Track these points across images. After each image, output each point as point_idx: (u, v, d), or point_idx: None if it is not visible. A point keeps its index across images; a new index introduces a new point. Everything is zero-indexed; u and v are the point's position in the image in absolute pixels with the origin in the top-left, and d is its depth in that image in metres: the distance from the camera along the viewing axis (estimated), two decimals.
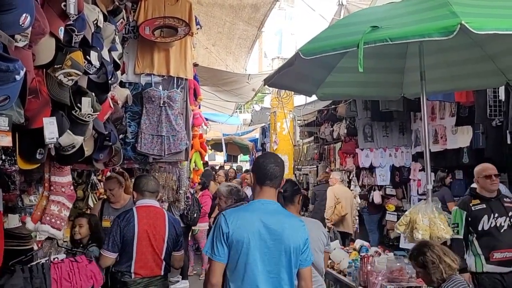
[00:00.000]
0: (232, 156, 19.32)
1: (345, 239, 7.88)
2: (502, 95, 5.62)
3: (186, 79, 4.66)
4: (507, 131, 5.47)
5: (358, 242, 4.84)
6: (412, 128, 8.52)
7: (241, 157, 20.74)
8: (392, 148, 8.78)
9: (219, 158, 20.28)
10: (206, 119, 7.75)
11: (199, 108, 6.28)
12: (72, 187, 3.28)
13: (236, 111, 14.10)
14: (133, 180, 5.58)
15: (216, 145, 16.21)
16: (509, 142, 5.50)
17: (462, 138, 6.77)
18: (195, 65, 5.40)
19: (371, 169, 8.93)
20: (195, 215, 6.99)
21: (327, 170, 9.73)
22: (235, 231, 2.46)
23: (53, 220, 3.31)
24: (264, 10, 6.27)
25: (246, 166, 17.93)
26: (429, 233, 3.50)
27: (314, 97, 6.13)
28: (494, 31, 2.60)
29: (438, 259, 2.89)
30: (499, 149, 5.85)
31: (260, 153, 15.22)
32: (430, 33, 2.60)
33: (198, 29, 5.15)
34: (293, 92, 8.12)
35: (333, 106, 9.52)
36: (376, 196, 8.73)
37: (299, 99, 9.51)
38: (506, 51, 3.87)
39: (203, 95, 6.75)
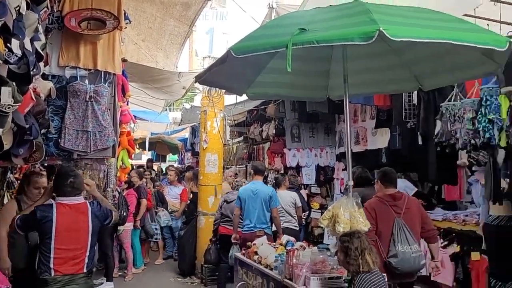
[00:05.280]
0: (161, 155, 18.92)
1: None
2: (415, 99, 6.10)
3: (114, 74, 4.55)
4: (418, 132, 5.95)
5: (285, 238, 4.98)
6: (336, 129, 8.94)
7: (170, 156, 20.35)
8: (318, 148, 9.15)
9: (146, 157, 19.73)
10: (135, 117, 7.57)
11: (127, 104, 6.13)
12: None
13: (166, 109, 13.82)
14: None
15: (144, 144, 15.79)
16: (420, 143, 5.97)
17: (381, 139, 7.25)
18: (124, 60, 5.27)
19: (298, 168, 9.24)
20: (124, 214, 6.79)
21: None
22: (241, 194, 6.09)
23: None
24: (195, 8, 6.27)
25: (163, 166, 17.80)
26: (350, 226, 3.71)
27: (244, 97, 6.22)
28: (409, 38, 2.82)
29: (360, 253, 3.02)
30: (413, 149, 6.33)
31: (189, 153, 15.08)
32: (353, 38, 2.77)
33: (127, 23, 5.04)
34: (223, 92, 8.16)
35: (262, 107, 9.71)
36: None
37: (230, 99, 9.57)
38: (419, 59, 4.19)
39: (132, 92, 6.58)
